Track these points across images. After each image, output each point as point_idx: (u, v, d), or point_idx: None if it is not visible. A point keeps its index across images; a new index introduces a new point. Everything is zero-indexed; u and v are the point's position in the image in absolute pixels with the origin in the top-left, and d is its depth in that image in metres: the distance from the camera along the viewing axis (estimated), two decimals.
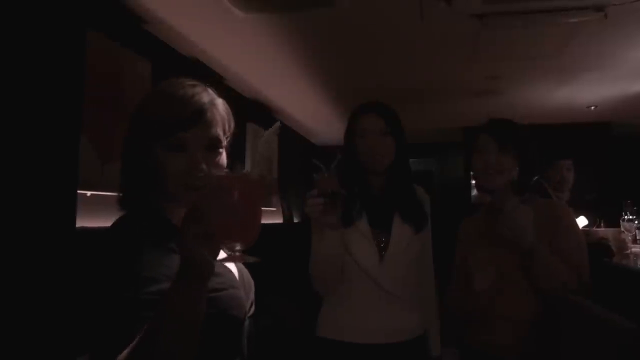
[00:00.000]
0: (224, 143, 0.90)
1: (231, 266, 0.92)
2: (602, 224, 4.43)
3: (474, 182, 1.69)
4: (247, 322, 0.90)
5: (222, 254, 0.67)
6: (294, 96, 4.26)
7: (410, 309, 1.56)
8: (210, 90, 0.90)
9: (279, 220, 4.86)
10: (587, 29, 2.71)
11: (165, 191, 0.84)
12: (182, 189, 0.83)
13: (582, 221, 4.08)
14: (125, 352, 0.62)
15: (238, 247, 0.65)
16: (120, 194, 0.87)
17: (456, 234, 1.78)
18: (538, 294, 1.44)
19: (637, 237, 3.72)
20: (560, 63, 3.31)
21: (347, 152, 1.57)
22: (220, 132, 0.88)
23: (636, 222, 4.09)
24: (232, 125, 0.94)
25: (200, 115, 0.83)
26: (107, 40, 2.26)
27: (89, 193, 2.09)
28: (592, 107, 4.61)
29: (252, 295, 0.96)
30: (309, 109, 4.74)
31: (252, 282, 0.98)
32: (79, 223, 2.01)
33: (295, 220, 5.31)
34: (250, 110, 4.21)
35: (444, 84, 3.91)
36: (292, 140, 5.53)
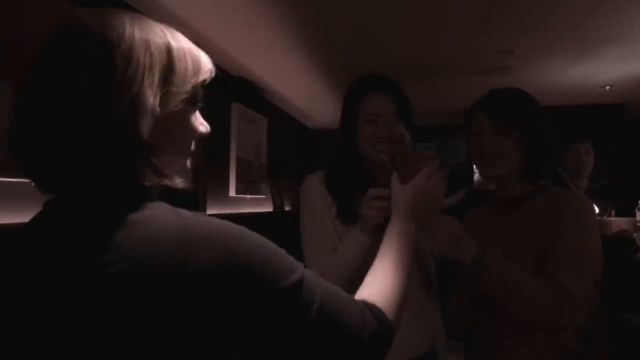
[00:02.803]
0: None
1: None
2: (613, 213, 4.22)
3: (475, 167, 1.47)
4: None
5: None
6: (285, 74, 3.98)
7: (417, 320, 1.36)
8: None
9: (269, 209, 4.58)
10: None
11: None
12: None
13: None
14: None
15: None
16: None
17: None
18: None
19: None
20: (580, 36, 3.04)
21: (346, 139, 1.35)
22: None
23: None
24: None
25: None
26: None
27: None
28: (607, 87, 4.36)
29: None
30: (301, 88, 4.45)
31: None
32: None
33: (287, 209, 5.04)
34: (236, 89, 3.90)
35: (449, 60, 3.64)
36: (283, 122, 5.24)
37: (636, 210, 4.08)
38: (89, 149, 0.59)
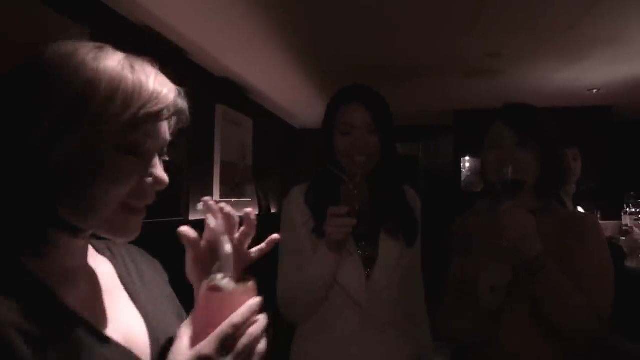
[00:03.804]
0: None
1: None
2: (599, 216, 4.23)
3: (481, 179, 1.40)
4: None
5: None
6: (270, 74, 3.93)
7: (402, 337, 1.34)
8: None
9: (255, 212, 4.49)
10: (607, 0, 2.39)
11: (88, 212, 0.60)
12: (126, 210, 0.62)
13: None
14: None
15: None
16: None
17: (450, 235, 1.49)
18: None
19: None
20: (568, 40, 3.03)
21: (325, 150, 1.35)
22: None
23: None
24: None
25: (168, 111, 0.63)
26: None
27: None
28: (595, 90, 4.36)
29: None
30: (287, 88, 4.40)
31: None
32: None
33: (273, 210, 4.98)
34: (220, 90, 3.82)
35: (436, 61, 3.61)
36: (269, 123, 5.17)
37: (622, 214, 4.09)
38: None
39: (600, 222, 3.81)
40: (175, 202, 3.18)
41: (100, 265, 0.72)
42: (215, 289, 0.60)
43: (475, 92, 4.40)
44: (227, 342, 0.56)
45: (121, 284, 0.73)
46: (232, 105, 3.98)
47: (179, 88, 0.66)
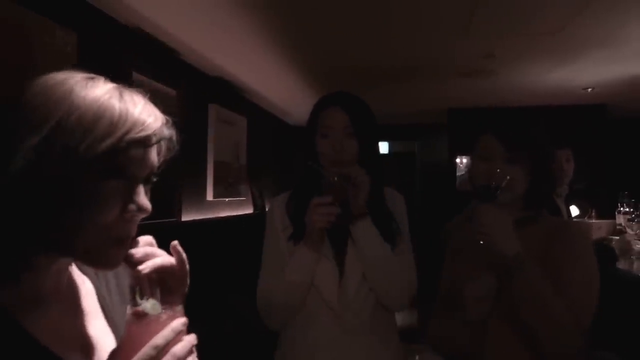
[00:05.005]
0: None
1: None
2: (593, 214, 4.23)
3: (469, 182, 1.39)
4: None
5: None
6: (263, 72, 3.91)
7: (380, 342, 1.35)
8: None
9: (249, 211, 4.49)
10: (599, 1, 2.37)
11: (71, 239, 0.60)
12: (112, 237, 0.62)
13: (572, 211, 3.83)
14: None
15: None
16: None
17: (442, 238, 1.47)
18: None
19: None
20: (563, 39, 3.03)
21: (307, 153, 1.38)
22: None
23: (633, 214, 3.87)
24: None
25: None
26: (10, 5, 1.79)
27: None
28: (589, 89, 4.37)
29: None
30: (281, 86, 4.39)
31: None
32: None
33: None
34: (212, 90, 3.80)
35: (431, 62, 3.61)
36: (263, 121, 5.16)
37: (616, 213, 4.09)
38: None
39: (595, 221, 3.83)
40: (168, 203, 3.16)
41: (82, 284, 0.73)
42: (140, 314, 0.61)
43: (470, 91, 4.41)
44: None
45: (99, 304, 0.74)
46: (226, 105, 3.97)
47: (167, 117, 0.66)
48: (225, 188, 3.97)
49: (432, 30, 2.90)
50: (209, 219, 3.65)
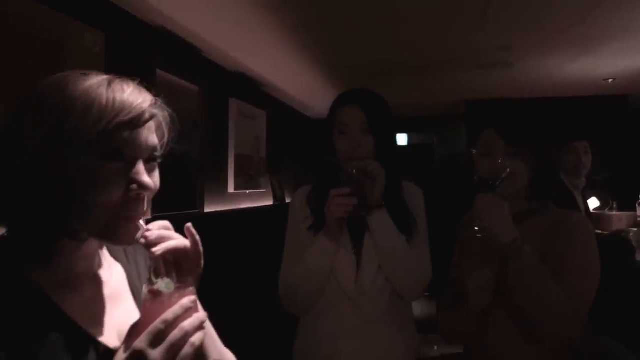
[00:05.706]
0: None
1: None
2: (615, 206, 4.18)
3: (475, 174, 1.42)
4: None
5: None
6: (283, 68, 3.98)
7: (400, 332, 1.39)
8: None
9: (269, 202, 4.58)
10: None
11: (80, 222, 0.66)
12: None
13: (593, 203, 3.81)
14: None
15: None
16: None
17: (461, 226, 1.51)
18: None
19: None
20: (583, 31, 3.01)
21: (327, 148, 1.43)
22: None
23: None
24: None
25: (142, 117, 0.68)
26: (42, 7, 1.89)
27: None
28: (610, 80, 4.30)
29: None
30: (301, 81, 4.45)
31: None
32: None
33: (288, 201, 5.04)
34: (233, 84, 3.88)
35: (449, 54, 3.62)
36: (282, 115, 5.25)
37: (637, 205, 4.04)
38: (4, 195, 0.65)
39: (616, 213, 3.79)
40: (191, 196, 3.27)
41: (114, 270, 0.79)
42: (155, 292, 0.66)
43: (488, 83, 4.39)
44: (159, 336, 0.61)
45: (129, 287, 0.80)
46: (246, 99, 4.05)
47: (156, 98, 0.71)
48: (245, 180, 4.07)
49: (448, 22, 2.92)
50: (230, 210, 3.75)
